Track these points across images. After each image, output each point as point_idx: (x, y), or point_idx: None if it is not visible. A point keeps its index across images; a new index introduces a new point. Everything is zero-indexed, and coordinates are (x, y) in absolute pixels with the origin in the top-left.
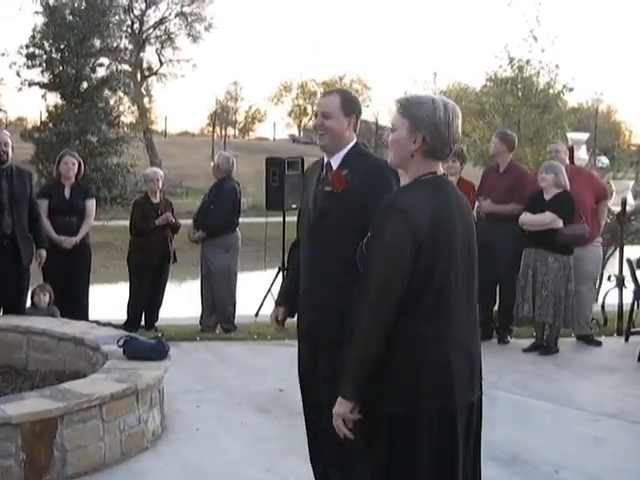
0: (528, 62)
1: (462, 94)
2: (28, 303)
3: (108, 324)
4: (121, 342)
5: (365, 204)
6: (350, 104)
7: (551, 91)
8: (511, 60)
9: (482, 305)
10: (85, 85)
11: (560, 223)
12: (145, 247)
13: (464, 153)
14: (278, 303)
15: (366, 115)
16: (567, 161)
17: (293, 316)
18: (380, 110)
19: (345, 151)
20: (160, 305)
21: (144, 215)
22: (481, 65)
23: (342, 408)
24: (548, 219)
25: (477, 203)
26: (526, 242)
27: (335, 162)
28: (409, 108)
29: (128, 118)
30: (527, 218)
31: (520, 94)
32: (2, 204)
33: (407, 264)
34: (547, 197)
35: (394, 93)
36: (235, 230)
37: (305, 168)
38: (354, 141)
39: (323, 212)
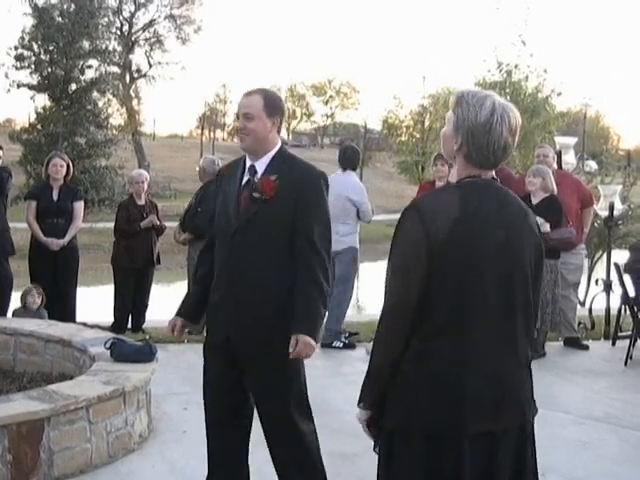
0: (516, 66)
1: (450, 98)
2: (18, 303)
3: (96, 326)
4: (108, 344)
5: (293, 211)
6: (273, 105)
7: (539, 95)
8: (499, 64)
9: None
10: (74, 87)
11: (547, 227)
12: (130, 249)
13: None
14: (179, 314)
15: (355, 118)
16: (555, 165)
17: (197, 323)
18: (369, 113)
19: (271, 155)
20: (146, 307)
21: (129, 217)
22: (470, 69)
23: (361, 416)
24: None
25: None
26: None
27: (260, 166)
28: (458, 104)
29: (117, 120)
30: None
31: (508, 98)
32: None
33: (422, 268)
34: (535, 201)
35: (383, 96)
36: None
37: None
38: (279, 144)
39: (248, 218)
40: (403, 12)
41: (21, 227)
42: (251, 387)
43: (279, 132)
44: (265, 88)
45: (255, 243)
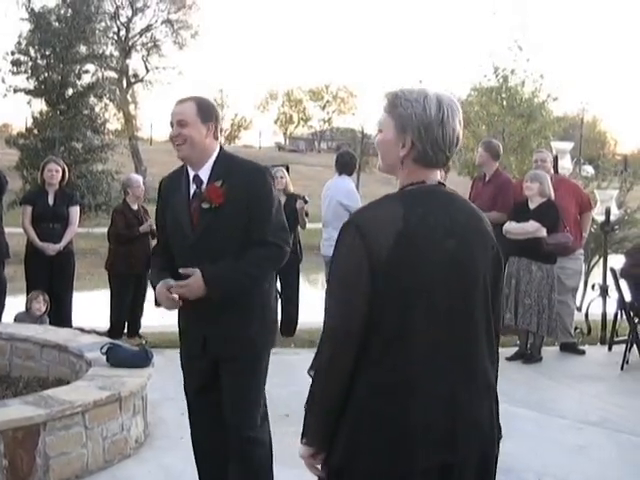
0: (513, 72)
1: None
2: (21, 307)
3: (92, 331)
4: (104, 349)
5: (246, 211)
6: (206, 110)
7: (536, 100)
8: (496, 69)
9: None
10: (70, 92)
11: (544, 232)
12: (129, 255)
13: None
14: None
15: (352, 123)
16: (551, 170)
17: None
18: (366, 118)
19: (212, 161)
20: (142, 312)
21: (127, 222)
22: (466, 73)
23: (304, 452)
24: (532, 228)
25: None
26: (510, 251)
27: (204, 174)
28: (396, 105)
29: (113, 125)
30: (511, 227)
31: (505, 103)
32: None
33: (365, 288)
34: (532, 206)
35: (379, 102)
36: None
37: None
38: (218, 149)
39: (203, 230)
40: (399, 16)
41: (17, 232)
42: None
43: (216, 138)
44: (198, 96)
45: (216, 251)
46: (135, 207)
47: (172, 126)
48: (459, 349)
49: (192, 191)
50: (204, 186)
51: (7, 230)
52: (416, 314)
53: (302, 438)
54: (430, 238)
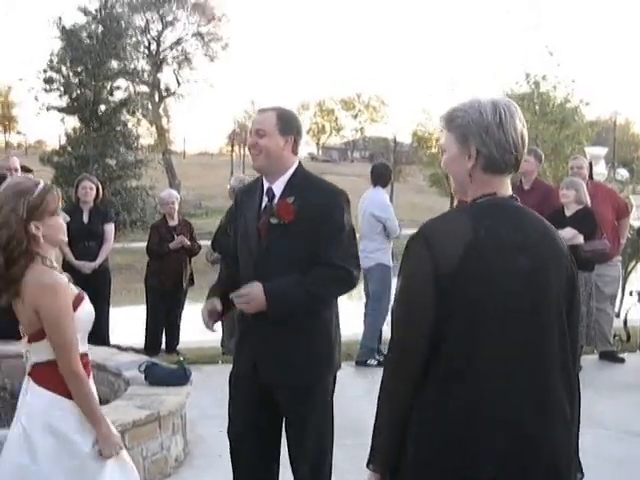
0: (544, 77)
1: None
2: None
3: (130, 348)
4: (142, 368)
5: (315, 232)
6: (287, 122)
7: (568, 105)
8: (527, 75)
9: None
10: (103, 108)
11: (581, 239)
12: (160, 270)
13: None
14: (213, 294)
15: (385, 132)
16: (587, 177)
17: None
18: (398, 126)
19: (288, 176)
20: (178, 328)
21: (160, 238)
22: (497, 79)
23: (371, 479)
24: (569, 235)
25: None
26: None
27: (278, 188)
28: (453, 119)
29: (147, 140)
30: None
31: (537, 109)
32: None
33: (432, 300)
34: (568, 213)
35: (411, 109)
36: None
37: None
38: (296, 164)
39: (270, 246)
40: (429, 24)
41: None
42: (285, 415)
43: (295, 152)
44: (281, 107)
45: (279, 272)
46: (172, 223)
47: (251, 134)
48: (528, 373)
49: (264, 204)
50: (276, 200)
51: None
52: (484, 330)
53: (368, 464)
54: (500, 251)
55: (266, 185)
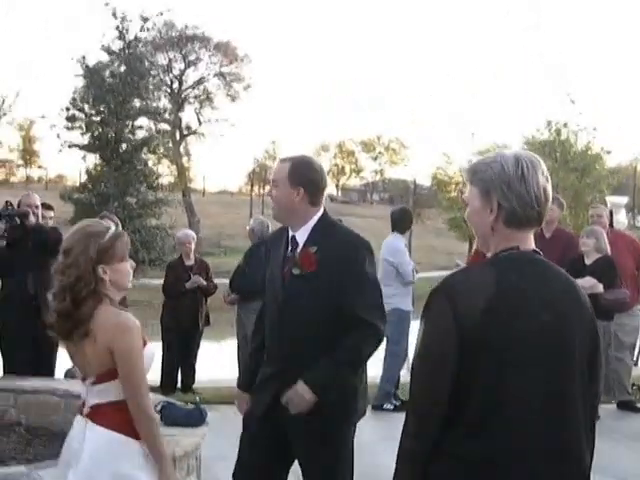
0: (565, 125)
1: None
2: (68, 364)
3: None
4: (158, 408)
5: (337, 283)
6: (298, 174)
7: (589, 153)
8: (548, 123)
9: None
10: (124, 146)
11: (601, 288)
12: (176, 309)
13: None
14: (242, 387)
15: (404, 174)
16: (608, 225)
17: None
18: (418, 169)
19: (311, 225)
20: (194, 367)
21: (176, 278)
22: (518, 124)
23: None
24: (589, 284)
25: None
26: None
27: (301, 237)
28: (475, 172)
29: (166, 177)
30: None
31: (558, 157)
32: (26, 263)
33: (453, 357)
34: (588, 262)
35: (431, 152)
36: None
37: None
38: (319, 214)
39: (292, 295)
40: (451, 68)
41: None
42: (300, 462)
43: (312, 203)
44: (303, 156)
45: (301, 322)
46: (189, 262)
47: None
48: (550, 425)
49: (288, 253)
50: (299, 250)
51: None
52: (505, 384)
53: None
54: (523, 305)
55: (291, 233)
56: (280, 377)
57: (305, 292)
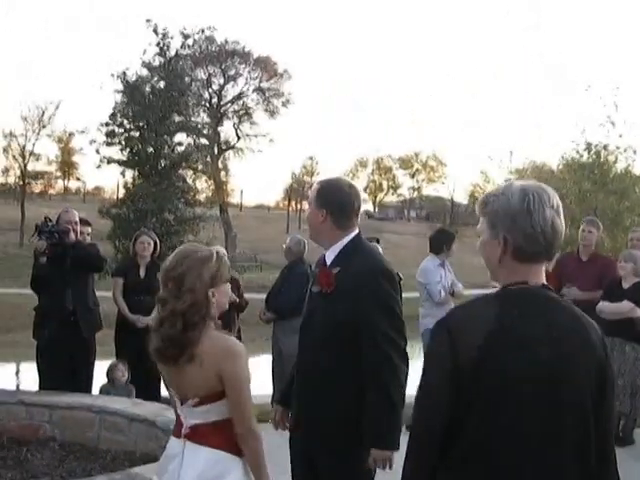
0: (605, 147)
1: (538, 174)
2: (103, 379)
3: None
4: None
5: (352, 306)
6: (323, 196)
7: (629, 176)
8: (588, 145)
9: None
10: (163, 163)
11: (638, 312)
12: None
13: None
14: (277, 401)
15: (442, 192)
16: None
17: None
18: (455, 187)
19: (340, 247)
20: None
21: None
22: (557, 145)
23: None
24: (626, 308)
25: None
26: (603, 330)
27: (329, 258)
28: (485, 204)
29: (204, 192)
30: (605, 306)
31: (597, 180)
32: (65, 279)
33: (449, 394)
34: (625, 285)
35: (469, 169)
36: None
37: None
38: (351, 236)
39: (310, 313)
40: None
41: (106, 296)
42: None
43: (338, 226)
44: (333, 178)
45: (319, 341)
46: None
47: None
48: (543, 465)
49: (315, 272)
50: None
51: (98, 293)
52: (500, 420)
53: None
54: (522, 342)
55: (323, 252)
56: (299, 395)
57: (320, 311)
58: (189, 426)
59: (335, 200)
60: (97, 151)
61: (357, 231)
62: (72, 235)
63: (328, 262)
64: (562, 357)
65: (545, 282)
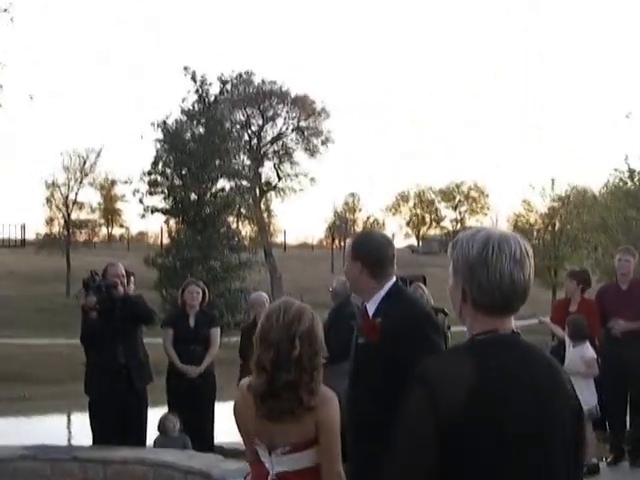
0: None
1: (580, 200)
2: (155, 433)
3: (234, 450)
4: (248, 478)
5: (400, 355)
6: (357, 249)
7: None
8: (632, 172)
9: (612, 426)
10: (207, 210)
11: None
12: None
13: (585, 273)
14: None
15: (485, 223)
16: None
17: None
18: (498, 217)
19: (380, 297)
20: None
21: (250, 340)
22: (599, 173)
23: None
24: None
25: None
26: None
27: (371, 308)
28: (452, 248)
29: (248, 233)
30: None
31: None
32: (116, 333)
33: (429, 456)
34: None
35: (511, 199)
36: None
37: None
38: (389, 285)
39: (357, 365)
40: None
41: (154, 342)
42: None
43: (373, 277)
44: (365, 231)
45: (365, 396)
46: None
47: None
48: None
49: (359, 323)
50: (367, 319)
51: (146, 340)
52: (488, 473)
53: None
54: (506, 394)
55: (365, 303)
56: (352, 447)
57: (366, 363)
58: (275, 474)
59: (369, 252)
60: (140, 201)
61: (394, 279)
62: (120, 289)
63: (370, 313)
64: (544, 401)
65: (514, 329)
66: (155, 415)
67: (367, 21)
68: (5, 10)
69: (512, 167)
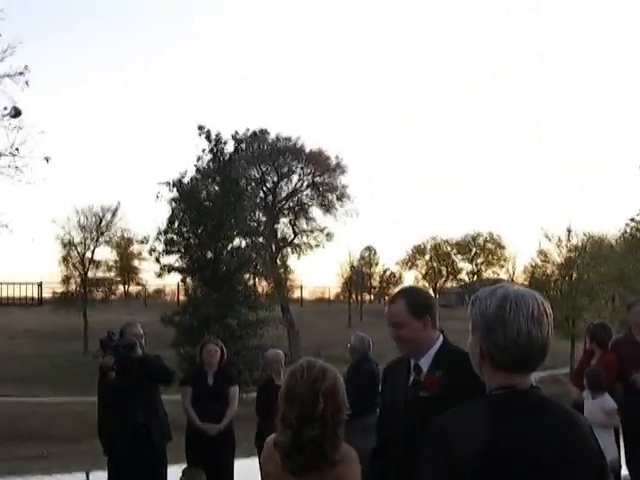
0: None
1: (597, 249)
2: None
3: None
4: None
5: None
6: (419, 306)
7: None
8: None
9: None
10: (223, 268)
11: None
12: (269, 430)
13: (602, 333)
14: None
15: (502, 274)
16: None
17: None
18: (515, 268)
19: (434, 351)
20: None
21: (268, 398)
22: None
23: None
24: None
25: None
26: None
27: (425, 364)
28: (471, 305)
29: (264, 289)
30: None
31: None
32: (134, 393)
33: None
34: None
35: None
36: (376, 411)
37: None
38: (440, 339)
39: (420, 420)
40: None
41: (171, 400)
42: None
43: (435, 326)
44: (409, 287)
45: None
46: (279, 382)
47: (389, 325)
48: None
49: (411, 379)
50: (423, 375)
51: (164, 397)
52: None
53: None
54: (522, 449)
55: (413, 361)
56: None
57: (432, 414)
58: None
59: (429, 304)
60: (157, 259)
61: (441, 333)
62: (138, 349)
63: (425, 368)
64: (560, 456)
65: (534, 383)
66: (173, 473)
67: (382, 74)
68: (21, 73)
69: (529, 214)
